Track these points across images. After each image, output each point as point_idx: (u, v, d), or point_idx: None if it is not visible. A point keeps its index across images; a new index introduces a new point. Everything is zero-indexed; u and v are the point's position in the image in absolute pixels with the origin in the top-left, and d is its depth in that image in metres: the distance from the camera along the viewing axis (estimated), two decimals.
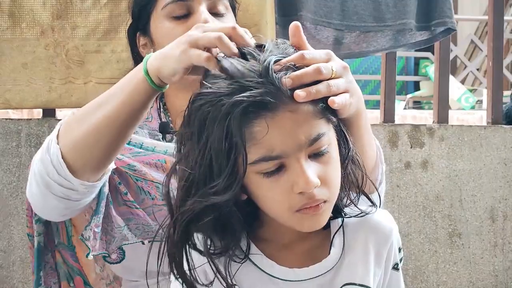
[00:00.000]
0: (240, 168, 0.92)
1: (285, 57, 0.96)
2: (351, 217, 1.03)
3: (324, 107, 0.95)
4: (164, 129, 1.41)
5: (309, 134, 0.92)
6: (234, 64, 0.95)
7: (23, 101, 1.74)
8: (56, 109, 1.90)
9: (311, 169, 0.93)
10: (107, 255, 1.30)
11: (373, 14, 1.97)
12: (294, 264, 1.00)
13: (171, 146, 1.33)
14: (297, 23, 1.03)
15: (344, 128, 1.00)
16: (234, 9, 1.49)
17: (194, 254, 0.99)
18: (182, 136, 0.98)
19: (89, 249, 1.27)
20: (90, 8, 1.73)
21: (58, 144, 1.18)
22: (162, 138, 1.41)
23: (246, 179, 0.94)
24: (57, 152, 1.17)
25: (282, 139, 0.91)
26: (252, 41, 1.02)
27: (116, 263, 1.34)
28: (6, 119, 1.87)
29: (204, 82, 0.97)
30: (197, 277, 0.97)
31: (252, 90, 0.90)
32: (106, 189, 1.28)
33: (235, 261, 0.98)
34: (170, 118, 1.44)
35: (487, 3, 2.37)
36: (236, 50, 0.99)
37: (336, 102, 0.96)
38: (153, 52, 1.44)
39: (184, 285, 0.98)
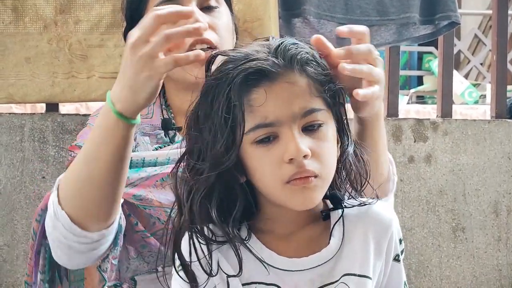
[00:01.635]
0: (238, 133, 0.96)
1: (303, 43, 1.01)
2: (352, 206, 1.04)
3: (326, 90, 0.99)
4: (167, 126, 1.41)
5: (303, 106, 0.97)
6: (239, 51, 1.00)
7: (26, 95, 1.74)
8: (59, 104, 1.90)
9: (303, 140, 0.96)
10: (119, 284, 1.32)
11: (377, 8, 1.97)
12: (294, 254, 1.01)
13: (173, 152, 1.33)
14: (317, 37, 1.05)
15: (347, 126, 1.03)
16: (228, 1, 1.47)
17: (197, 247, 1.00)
18: (191, 120, 1.01)
19: (105, 280, 1.28)
20: (93, 2, 1.73)
21: (63, 209, 1.19)
22: (165, 135, 1.41)
23: (242, 151, 0.97)
24: (64, 217, 1.18)
25: (277, 107, 0.96)
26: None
27: None
28: (10, 113, 1.87)
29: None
30: (205, 266, 0.98)
31: (255, 61, 0.96)
32: (123, 222, 1.29)
33: (237, 243, 0.99)
34: (172, 115, 1.44)
35: None
36: (191, 25, 1.03)
37: (360, 94, 1.02)
38: None
39: (186, 276, 0.99)
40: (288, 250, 1.01)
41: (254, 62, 0.96)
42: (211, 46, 1.34)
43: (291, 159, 0.95)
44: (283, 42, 0.99)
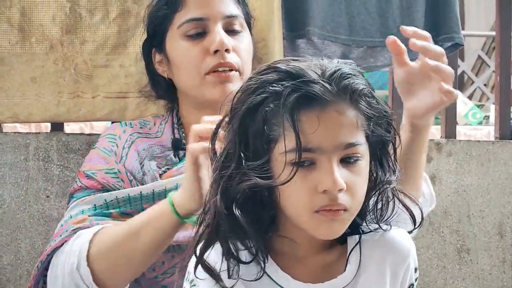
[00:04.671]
0: (277, 154, 0.94)
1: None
2: (369, 231, 1.02)
3: (372, 125, 0.98)
4: (177, 146, 1.42)
5: (348, 138, 0.95)
6: (292, 66, 0.97)
7: (31, 115, 1.74)
8: (64, 123, 1.90)
9: (340, 172, 0.94)
10: None
11: (380, 30, 1.98)
12: (309, 279, 0.99)
13: (181, 178, 1.34)
14: (393, 38, 1.20)
15: (390, 156, 1.01)
16: (249, 26, 1.50)
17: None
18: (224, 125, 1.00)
19: None
20: (99, 23, 1.74)
21: (88, 265, 1.25)
22: (174, 155, 1.41)
23: (275, 169, 0.95)
24: (88, 274, 1.25)
25: (322, 135, 0.94)
26: None
27: None
28: (14, 132, 1.88)
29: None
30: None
31: (309, 83, 0.94)
32: None
33: (258, 262, 0.98)
34: (183, 134, 1.44)
35: (494, 18, 2.37)
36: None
37: (445, 88, 1.22)
38: (168, 68, 1.47)
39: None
40: (303, 274, 1.00)
41: (308, 85, 0.94)
42: (233, 69, 1.37)
43: (325, 190, 0.94)
44: (339, 69, 0.96)
